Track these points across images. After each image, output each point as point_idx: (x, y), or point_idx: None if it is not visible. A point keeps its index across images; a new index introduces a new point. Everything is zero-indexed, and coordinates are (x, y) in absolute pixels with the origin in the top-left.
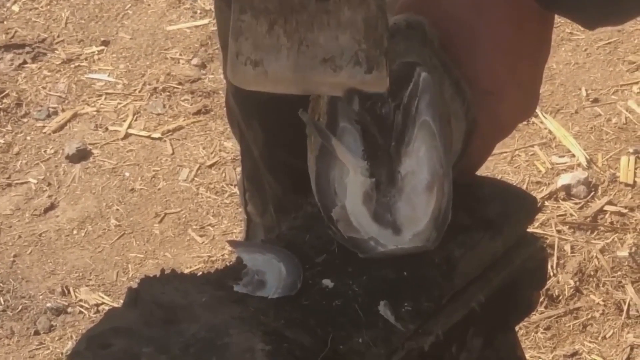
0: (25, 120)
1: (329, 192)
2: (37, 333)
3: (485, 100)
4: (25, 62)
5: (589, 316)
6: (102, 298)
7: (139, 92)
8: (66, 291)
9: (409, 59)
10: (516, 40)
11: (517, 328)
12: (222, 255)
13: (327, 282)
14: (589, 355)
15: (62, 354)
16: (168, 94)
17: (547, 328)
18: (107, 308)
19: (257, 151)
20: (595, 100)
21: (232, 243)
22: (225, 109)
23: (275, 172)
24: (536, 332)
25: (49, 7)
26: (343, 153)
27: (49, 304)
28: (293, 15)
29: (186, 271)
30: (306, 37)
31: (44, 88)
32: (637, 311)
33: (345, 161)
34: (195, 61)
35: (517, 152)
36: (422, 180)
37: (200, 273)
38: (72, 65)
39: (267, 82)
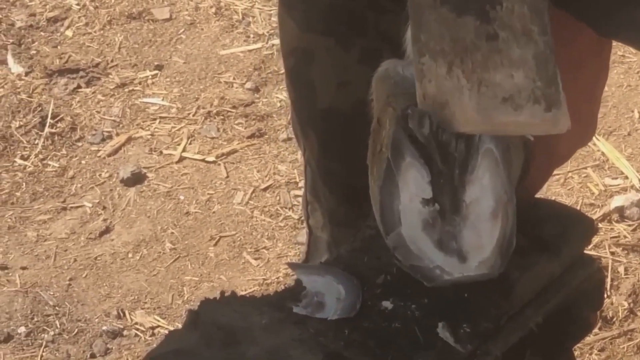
0: (79, 144)
1: (393, 221)
2: (93, 356)
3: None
4: (79, 87)
5: None
6: (158, 321)
7: (193, 115)
8: (122, 314)
9: None
10: (574, 78)
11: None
12: (277, 277)
13: (387, 304)
14: None
15: None
16: (222, 117)
17: (602, 349)
18: (162, 331)
19: (314, 161)
20: None
21: (291, 265)
22: (291, 122)
23: (330, 184)
24: (590, 354)
25: (102, 31)
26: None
27: (104, 327)
28: (468, 55)
29: (242, 294)
30: (484, 77)
31: (98, 112)
32: None
33: (410, 190)
34: (248, 85)
35: (570, 174)
36: (487, 207)
37: (259, 295)
38: (126, 90)
39: (454, 122)
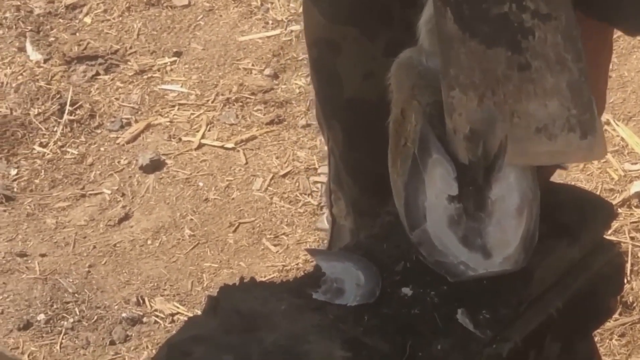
0: (98, 131)
1: (419, 217)
2: (112, 343)
3: None
4: (98, 74)
5: None
6: (177, 308)
7: (212, 102)
8: (141, 301)
9: None
10: None
11: (593, 334)
12: (297, 264)
13: (406, 290)
14: None
15: None
16: (241, 104)
17: (622, 335)
18: (182, 318)
19: (338, 151)
20: None
21: (310, 251)
22: (313, 111)
23: (354, 173)
24: (610, 339)
25: (121, 18)
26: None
27: (124, 314)
28: (499, 86)
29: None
30: (516, 108)
31: (117, 99)
32: None
33: (436, 187)
34: (267, 71)
35: None
36: (513, 204)
37: (279, 281)
38: (145, 77)
39: (486, 154)
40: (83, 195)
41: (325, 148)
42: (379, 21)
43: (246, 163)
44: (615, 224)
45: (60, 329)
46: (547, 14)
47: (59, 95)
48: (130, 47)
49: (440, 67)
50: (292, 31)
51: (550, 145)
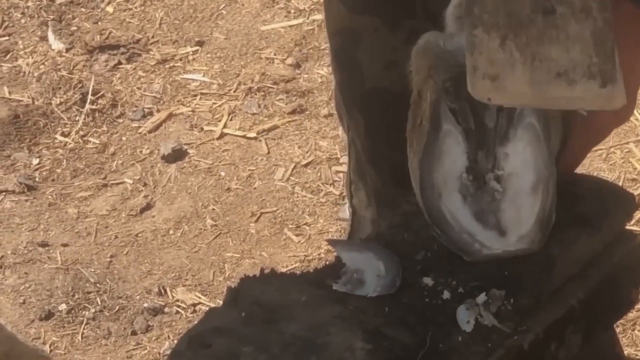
0: (120, 120)
1: (433, 195)
2: (134, 333)
3: None
4: (120, 63)
5: None
6: (199, 298)
7: (234, 92)
8: (163, 291)
9: None
10: None
11: (614, 325)
12: (319, 254)
13: (427, 281)
14: None
15: (159, 354)
16: (263, 93)
17: None
18: (204, 308)
19: (360, 142)
20: None
21: (331, 242)
22: (334, 102)
23: (376, 164)
24: (633, 330)
25: (143, 7)
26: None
27: (145, 304)
28: (522, 29)
29: (283, 270)
30: (538, 52)
31: (139, 89)
32: None
33: (449, 161)
34: (290, 61)
35: (612, 150)
36: (527, 181)
37: (299, 272)
38: (167, 66)
39: (505, 95)
40: (105, 185)
41: (346, 138)
42: (401, 11)
43: (268, 153)
44: (637, 215)
45: (81, 319)
46: None
47: (80, 85)
48: (153, 37)
49: (464, 6)
50: (314, 20)
51: (569, 90)
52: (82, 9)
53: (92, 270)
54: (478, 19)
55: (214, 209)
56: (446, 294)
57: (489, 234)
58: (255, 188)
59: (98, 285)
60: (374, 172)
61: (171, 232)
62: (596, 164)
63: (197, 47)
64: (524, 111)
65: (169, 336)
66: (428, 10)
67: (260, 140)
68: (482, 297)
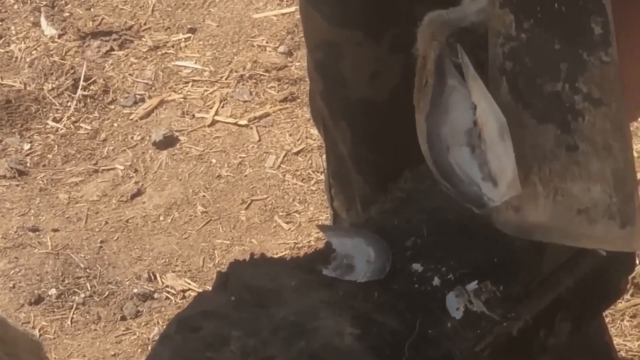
0: (112, 107)
1: (442, 148)
2: (123, 318)
3: None
4: (112, 50)
5: None
6: (189, 284)
7: (226, 79)
8: (153, 277)
9: None
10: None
11: (603, 314)
12: (309, 241)
13: (417, 266)
14: None
15: (148, 339)
16: (255, 81)
17: (633, 316)
18: (193, 294)
19: (346, 150)
20: None
21: (321, 227)
22: (310, 105)
23: (364, 171)
24: (622, 320)
25: None
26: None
27: (135, 290)
28: (546, 163)
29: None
30: (560, 187)
31: (130, 75)
32: None
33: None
34: (282, 49)
35: None
36: (494, 129)
37: (289, 258)
38: (159, 53)
39: (527, 228)
40: (96, 171)
41: (325, 144)
42: (385, 21)
43: (259, 140)
44: None
45: (71, 304)
46: (598, 99)
47: (72, 71)
48: (145, 23)
49: None
50: None
51: (590, 229)
52: None
53: (82, 255)
54: None
55: (204, 196)
56: (436, 281)
57: (488, 185)
58: (246, 175)
59: (88, 270)
60: (362, 180)
61: (161, 218)
62: None
63: (189, 34)
64: (468, 65)
65: (158, 322)
66: (412, 15)
67: (252, 128)
68: (472, 285)
